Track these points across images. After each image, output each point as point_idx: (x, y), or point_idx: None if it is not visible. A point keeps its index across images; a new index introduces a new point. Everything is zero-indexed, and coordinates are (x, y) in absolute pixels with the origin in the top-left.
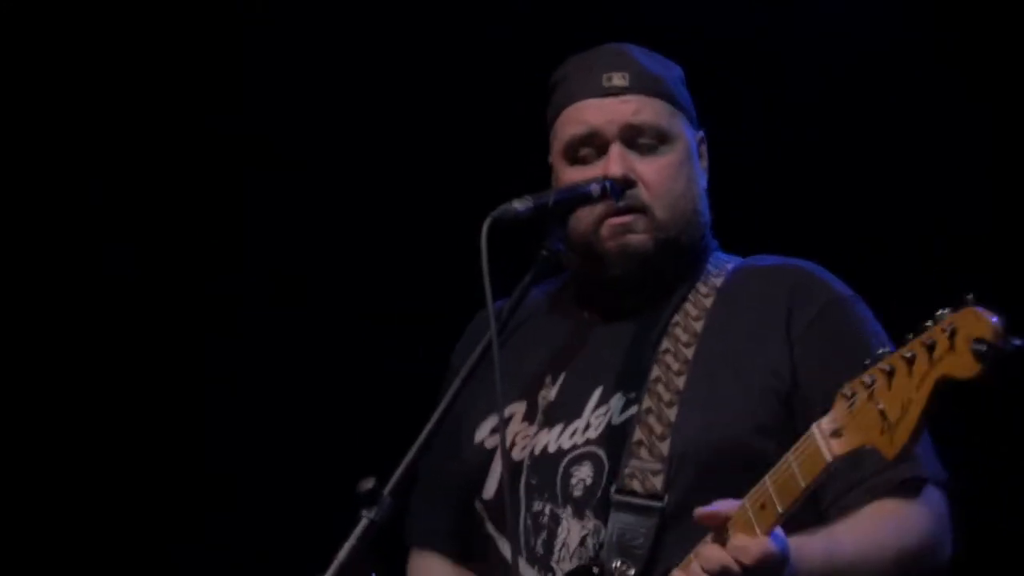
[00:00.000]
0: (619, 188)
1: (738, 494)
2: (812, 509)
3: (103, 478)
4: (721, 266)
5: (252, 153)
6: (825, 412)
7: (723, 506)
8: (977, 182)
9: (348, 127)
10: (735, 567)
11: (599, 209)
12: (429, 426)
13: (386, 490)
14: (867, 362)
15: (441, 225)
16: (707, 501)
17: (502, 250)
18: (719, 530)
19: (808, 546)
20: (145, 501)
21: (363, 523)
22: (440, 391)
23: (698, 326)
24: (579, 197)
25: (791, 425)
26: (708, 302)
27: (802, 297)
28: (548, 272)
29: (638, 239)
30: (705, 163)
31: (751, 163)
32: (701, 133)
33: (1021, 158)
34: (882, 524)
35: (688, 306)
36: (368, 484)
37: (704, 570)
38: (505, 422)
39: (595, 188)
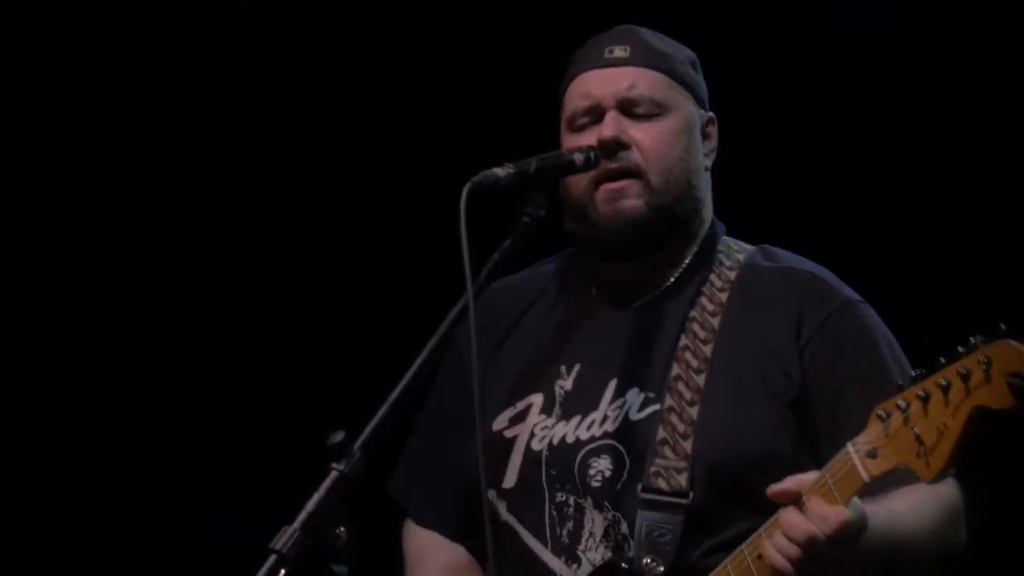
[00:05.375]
0: (611, 150)
1: (756, 492)
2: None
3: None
4: (733, 256)
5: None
6: (834, 417)
7: (794, 482)
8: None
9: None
10: (820, 535)
11: (594, 173)
12: (402, 383)
13: (356, 444)
14: (900, 383)
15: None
16: (729, 499)
17: None
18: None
19: (874, 515)
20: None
21: (332, 475)
22: (441, 369)
23: (715, 322)
24: (562, 165)
25: (800, 426)
26: (723, 297)
27: (812, 302)
28: (529, 239)
29: (631, 204)
30: (712, 144)
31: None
32: (710, 114)
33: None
34: (925, 501)
35: (704, 300)
36: (338, 437)
37: (788, 538)
38: (482, 394)
39: (579, 157)
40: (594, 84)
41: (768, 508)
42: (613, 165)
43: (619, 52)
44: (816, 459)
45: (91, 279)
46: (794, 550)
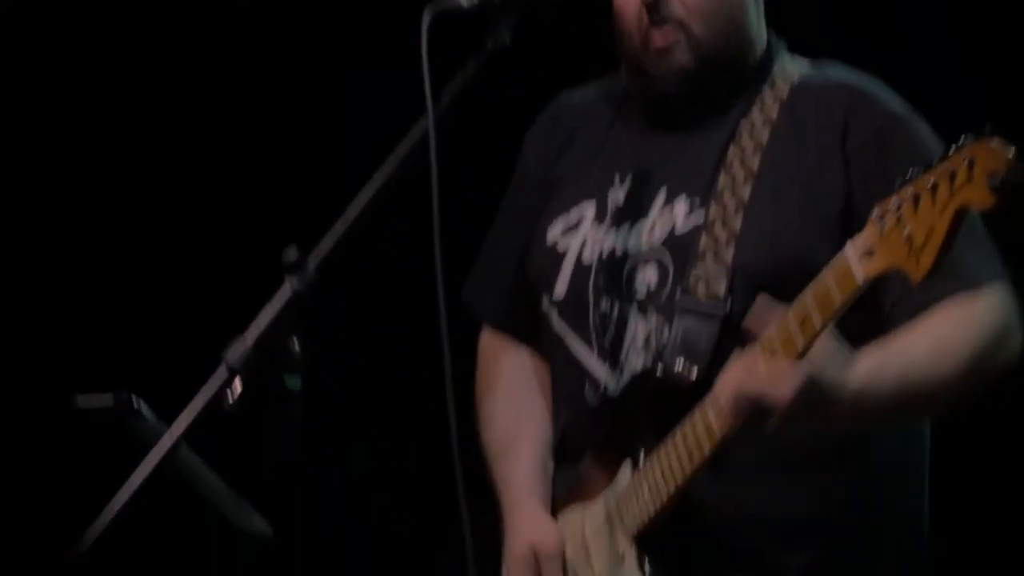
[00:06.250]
0: (654, 8)
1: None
2: (874, 319)
3: None
4: (787, 74)
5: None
6: None
7: (759, 321)
8: None
9: None
10: (763, 395)
11: (644, 26)
12: (360, 204)
13: (311, 262)
14: (897, 183)
15: None
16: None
17: None
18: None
19: (880, 373)
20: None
21: (287, 291)
22: (514, 176)
23: (764, 136)
24: None
25: (845, 239)
26: (774, 112)
27: (858, 116)
28: (494, 66)
29: (679, 57)
30: None
31: None
32: None
33: None
34: (955, 322)
35: (755, 114)
36: (292, 254)
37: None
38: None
39: None
40: None
41: None
42: (657, 22)
43: None
44: None
45: (90, 278)
46: (744, 404)
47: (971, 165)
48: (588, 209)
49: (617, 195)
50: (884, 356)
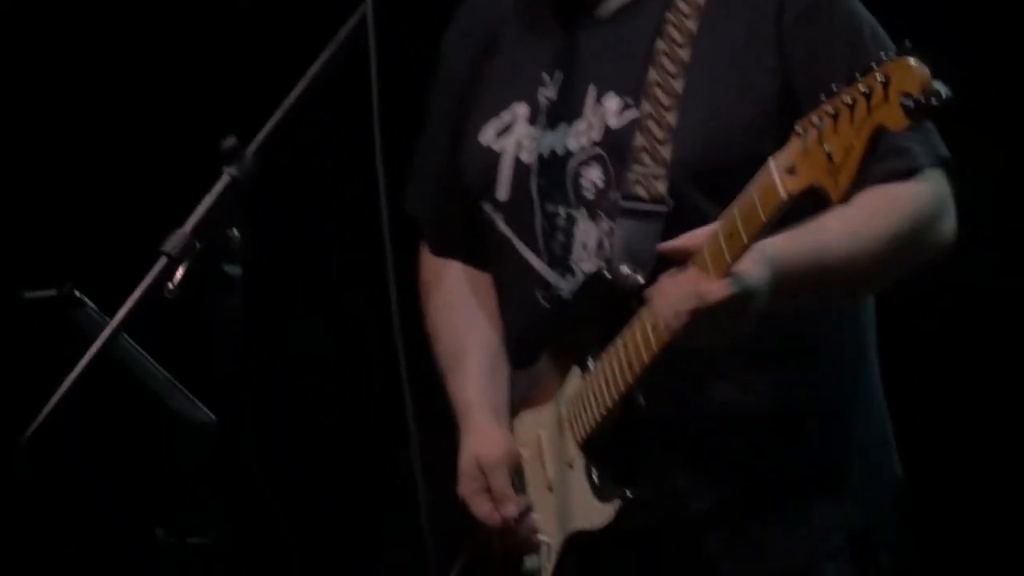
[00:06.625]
0: None
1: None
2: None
3: None
4: None
5: None
6: None
7: (690, 239)
8: None
9: None
10: (696, 303)
11: None
12: (298, 90)
13: (249, 149)
14: (822, 97)
15: None
16: (709, 205)
17: None
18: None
19: (793, 247)
20: None
21: (225, 180)
22: (434, 77)
23: (692, 25)
24: None
25: (785, 125)
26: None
27: None
28: None
29: None
30: None
31: None
32: None
33: None
34: (874, 207)
35: (680, 3)
36: (230, 142)
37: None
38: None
39: None
40: None
41: None
42: None
43: None
44: None
45: (29, 175)
46: (680, 319)
47: (887, 84)
48: (520, 109)
49: (548, 94)
50: (799, 243)
